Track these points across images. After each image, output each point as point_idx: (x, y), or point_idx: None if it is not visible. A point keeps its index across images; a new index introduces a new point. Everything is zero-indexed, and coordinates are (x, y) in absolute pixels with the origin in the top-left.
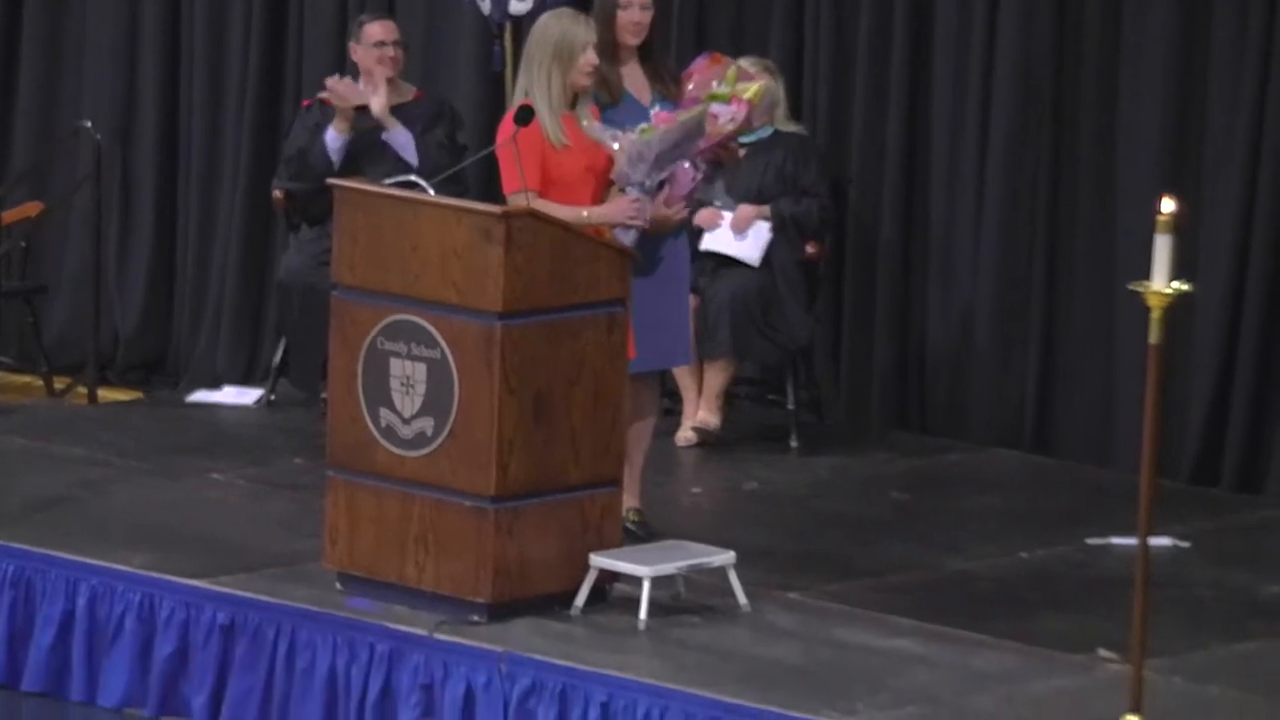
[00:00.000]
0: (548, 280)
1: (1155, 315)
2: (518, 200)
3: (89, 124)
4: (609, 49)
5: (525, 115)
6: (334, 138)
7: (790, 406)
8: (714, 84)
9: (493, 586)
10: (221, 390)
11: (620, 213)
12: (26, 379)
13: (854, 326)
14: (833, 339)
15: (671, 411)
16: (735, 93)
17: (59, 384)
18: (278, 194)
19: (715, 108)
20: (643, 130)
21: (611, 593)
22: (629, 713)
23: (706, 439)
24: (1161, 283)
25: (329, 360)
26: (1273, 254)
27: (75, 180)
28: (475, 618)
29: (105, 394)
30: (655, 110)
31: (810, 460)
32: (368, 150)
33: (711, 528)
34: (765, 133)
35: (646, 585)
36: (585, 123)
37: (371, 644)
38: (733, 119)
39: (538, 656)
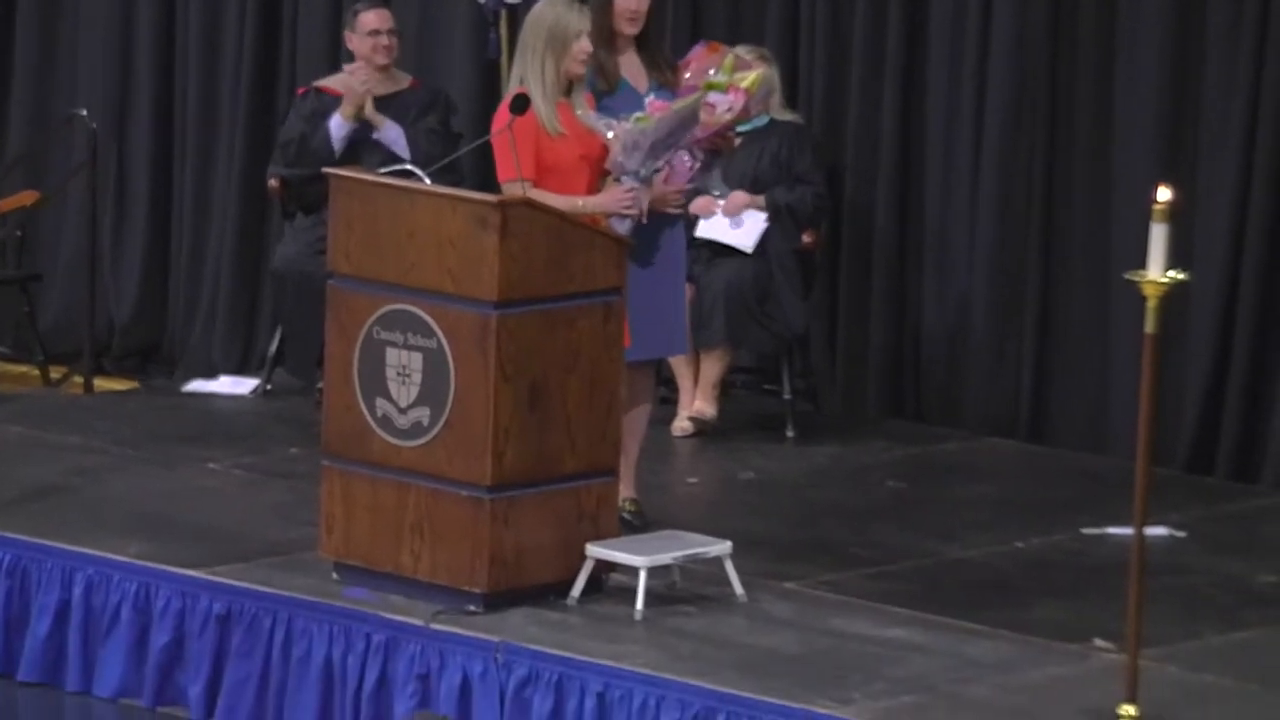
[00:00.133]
0: (543, 269)
1: (1151, 305)
2: (512, 189)
3: (84, 112)
4: (606, 37)
5: (521, 104)
6: (339, 125)
7: (786, 396)
8: (711, 72)
9: (489, 576)
10: (217, 379)
11: (615, 202)
12: (22, 368)
13: (850, 315)
14: (828, 328)
15: (668, 401)
16: (733, 81)
17: (55, 373)
18: (273, 182)
19: (713, 96)
20: (638, 119)
21: (608, 582)
22: (625, 702)
23: (703, 428)
24: (1157, 272)
25: (325, 349)
26: (1268, 242)
27: (70, 168)
28: (471, 607)
29: (101, 383)
30: (650, 99)
31: (806, 449)
32: (364, 142)
33: (707, 517)
34: (761, 121)
35: (643, 575)
36: (580, 111)
37: (368, 633)
38: (730, 108)
39: (534, 646)
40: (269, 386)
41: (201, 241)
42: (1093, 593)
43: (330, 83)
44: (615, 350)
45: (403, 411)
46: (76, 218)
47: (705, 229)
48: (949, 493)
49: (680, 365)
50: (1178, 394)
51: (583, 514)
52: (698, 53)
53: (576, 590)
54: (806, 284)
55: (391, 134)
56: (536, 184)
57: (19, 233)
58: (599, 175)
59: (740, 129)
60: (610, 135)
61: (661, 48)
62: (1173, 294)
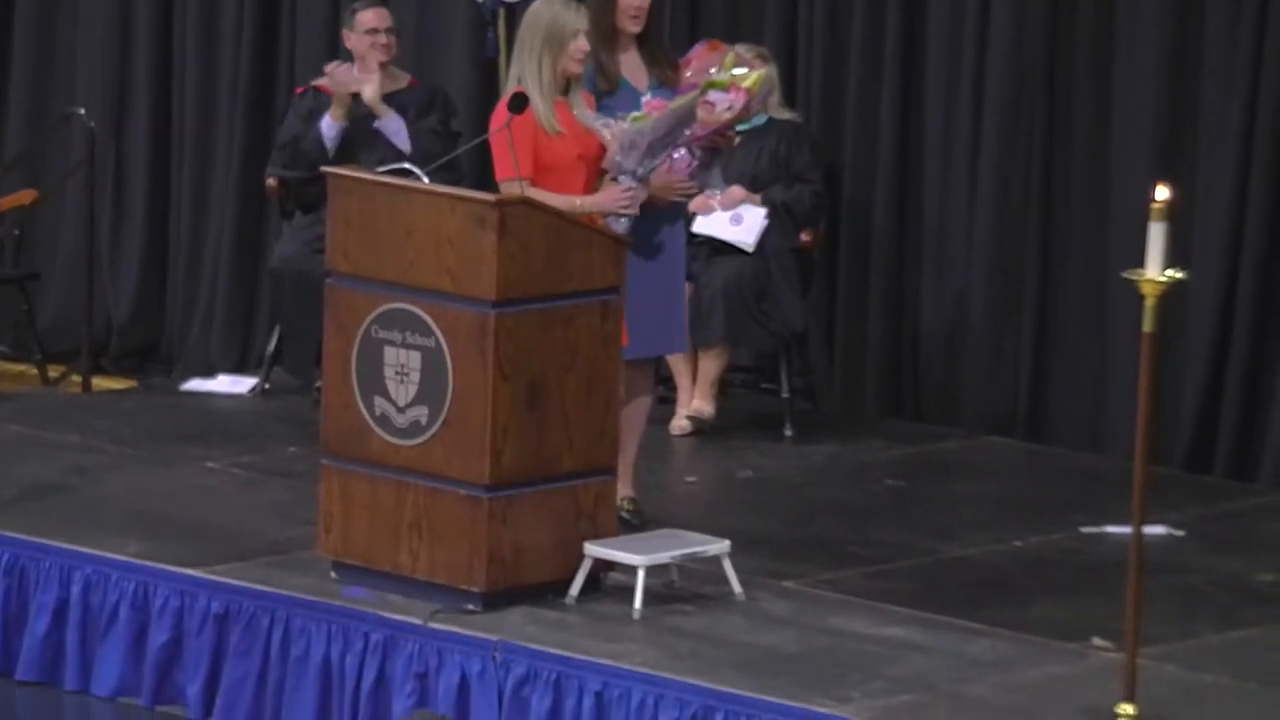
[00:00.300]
0: (542, 268)
1: (1149, 303)
2: (510, 187)
3: (82, 111)
4: (608, 36)
5: (519, 103)
6: (329, 125)
7: (785, 394)
8: (712, 70)
9: (487, 575)
10: (216, 378)
11: (613, 201)
12: (21, 367)
13: (848, 314)
14: (827, 326)
15: (666, 400)
16: (734, 80)
17: (53, 372)
18: (271, 181)
19: (713, 95)
20: (635, 119)
21: (606, 581)
22: (623, 701)
23: (701, 427)
24: (1155, 271)
25: (323, 348)
26: (1266, 241)
27: (68, 167)
28: (470, 606)
29: (99, 382)
30: (646, 98)
31: (805, 448)
32: (361, 138)
33: (706, 516)
34: (759, 120)
35: (641, 574)
36: (578, 110)
37: (366, 632)
38: (730, 107)
39: (532, 645)
40: (267, 385)
41: (200, 241)
42: (1091, 591)
43: (328, 82)
44: (613, 349)
45: (401, 410)
46: (74, 217)
47: (703, 225)
48: (947, 491)
49: (678, 364)
50: (1176, 393)
51: (581, 513)
52: (699, 51)
53: (575, 589)
54: (805, 283)
55: (393, 125)
56: (534, 183)
57: (17, 232)
58: (596, 174)
59: (739, 128)
60: (607, 134)
61: (662, 44)
62: (1171, 293)
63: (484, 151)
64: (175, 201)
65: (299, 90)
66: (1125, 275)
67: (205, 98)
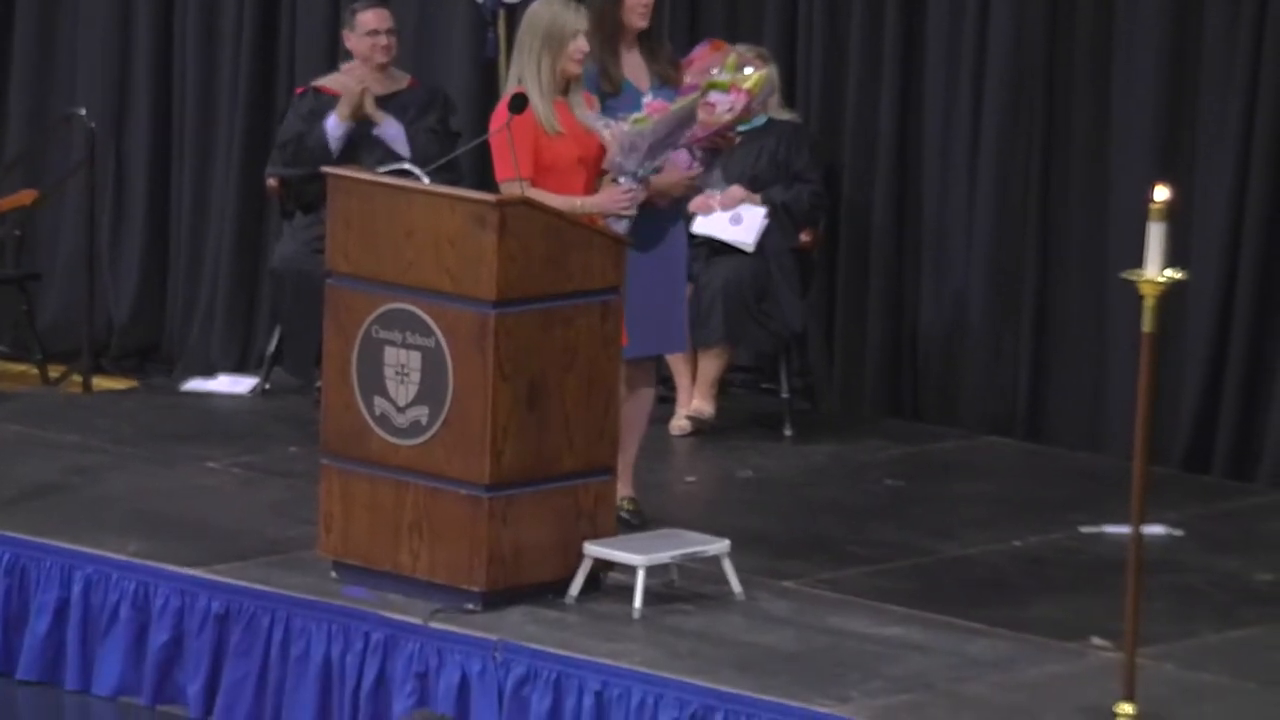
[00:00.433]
0: (541, 268)
1: (1148, 304)
2: (511, 188)
3: (82, 111)
4: (613, 34)
5: (519, 103)
6: (335, 125)
7: (784, 394)
8: (714, 71)
9: (487, 574)
10: (216, 378)
11: (613, 202)
12: (21, 367)
13: (847, 314)
14: (826, 326)
15: (666, 399)
16: (735, 81)
17: (53, 372)
18: (271, 182)
19: (714, 96)
20: (636, 120)
21: (606, 581)
22: (623, 701)
23: (701, 427)
24: (1154, 271)
25: (323, 348)
26: (1265, 242)
27: (69, 167)
28: (470, 606)
29: (100, 382)
30: (647, 99)
31: (804, 448)
32: (363, 139)
33: (706, 516)
34: (759, 120)
35: (641, 574)
36: (578, 111)
37: (366, 632)
38: (731, 108)
39: (532, 645)
40: (267, 385)
41: (200, 241)
42: (1090, 591)
43: (328, 82)
44: (613, 349)
45: (401, 410)
46: (75, 217)
47: (703, 225)
48: (946, 491)
49: (678, 364)
50: (1175, 393)
51: (581, 512)
52: (701, 51)
53: (575, 589)
54: (804, 283)
55: (391, 131)
56: (534, 183)
57: (18, 232)
58: (596, 175)
59: (739, 128)
60: (607, 135)
61: (663, 41)
62: (1170, 293)
63: (484, 152)
64: (175, 201)
65: (299, 90)
66: (1124, 275)
67: (205, 98)
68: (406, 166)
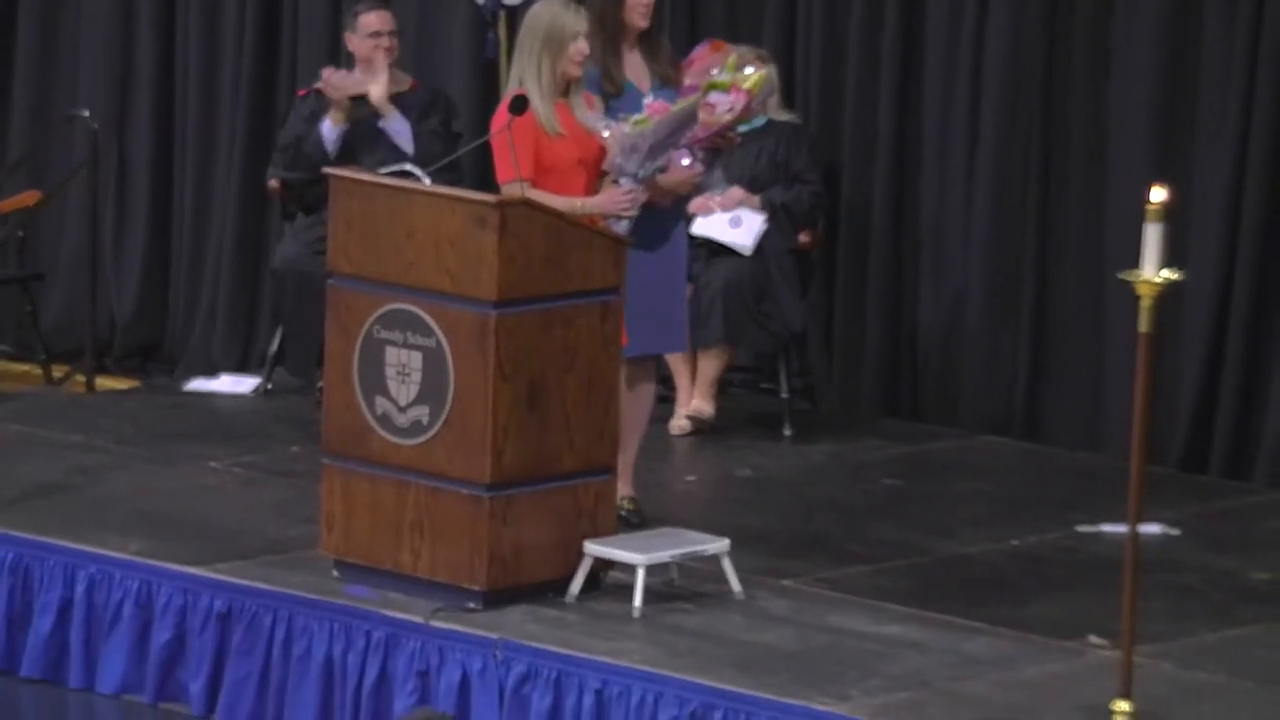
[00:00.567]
0: (542, 268)
1: (1145, 304)
2: (511, 189)
3: (85, 112)
4: (615, 35)
5: (520, 104)
6: (329, 129)
7: (784, 394)
8: (714, 71)
9: (488, 573)
10: (218, 378)
11: (614, 203)
12: (24, 367)
13: (846, 314)
14: (825, 327)
15: (665, 399)
16: (735, 81)
17: (56, 372)
18: (273, 183)
19: (714, 96)
20: (636, 121)
21: (606, 580)
22: (623, 699)
23: (700, 427)
24: (1152, 271)
25: (325, 348)
26: (1261, 242)
27: (71, 168)
28: (471, 604)
29: (102, 382)
30: (648, 100)
31: (803, 447)
32: (363, 138)
33: (705, 515)
34: (759, 121)
35: (641, 573)
36: (578, 112)
37: (368, 631)
38: (731, 109)
39: (533, 643)
40: (269, 385)
41: (202, 241)
42: (1088, 590)
43: (325, 88)
44: (613, 349)
45: (402, 410)
46: (77, 217)
47: (702, 226)
48: (945, 490)
49: (678, 364)
50: (1172, 392)
51: (581, 512)
52: (701, 52)
53: (575, 587)
54: (804, 283)
55: (397, 125)
56: (535, 184)
57: (21, 233)
58: (597, 176)
59: (739, 129)
60: (607, 136)
61: (663, 41)
62: (1167, 293)
63: (485, 153)
64: (178, 202)
65: (301, 92)
66: (1122, 276)
67: (207, 98)
68: (407, 167)
